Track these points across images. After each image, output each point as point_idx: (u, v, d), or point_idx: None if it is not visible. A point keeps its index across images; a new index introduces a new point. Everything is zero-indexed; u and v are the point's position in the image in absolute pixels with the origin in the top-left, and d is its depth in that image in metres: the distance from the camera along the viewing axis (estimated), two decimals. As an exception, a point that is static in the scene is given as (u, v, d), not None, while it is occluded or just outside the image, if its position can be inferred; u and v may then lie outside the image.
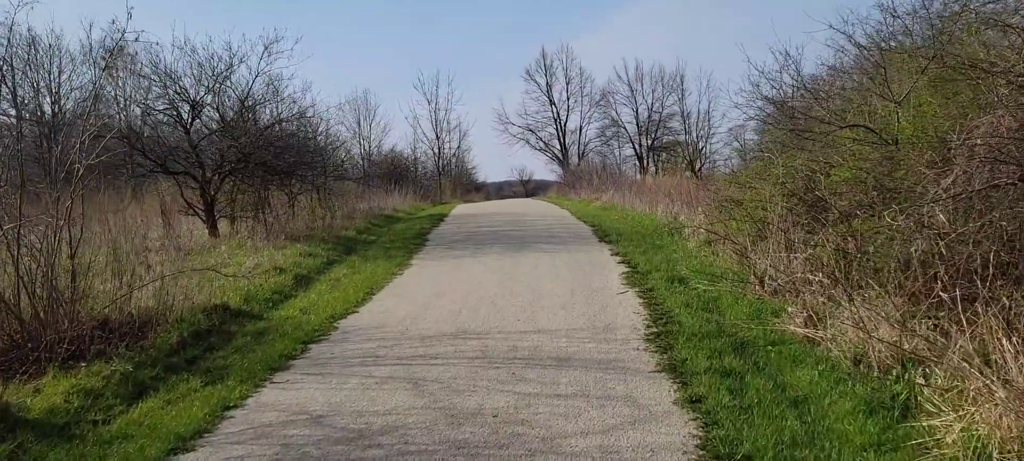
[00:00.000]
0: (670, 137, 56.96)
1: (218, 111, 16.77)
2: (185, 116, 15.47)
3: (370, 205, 24.05)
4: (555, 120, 57.90)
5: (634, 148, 56.40)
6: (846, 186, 8.94)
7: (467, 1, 77.31)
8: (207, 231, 15.82)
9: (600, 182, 30.20)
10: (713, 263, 10.64)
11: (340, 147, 23.05)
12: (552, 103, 57.64)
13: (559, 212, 24.77)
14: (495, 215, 24.35)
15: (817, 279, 7.86)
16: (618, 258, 11.88)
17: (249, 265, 11.85)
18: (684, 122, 55.44)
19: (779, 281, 8.41)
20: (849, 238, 8.39)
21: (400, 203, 28.21)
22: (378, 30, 78.89)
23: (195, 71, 15.33)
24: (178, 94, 15.50)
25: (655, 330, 6.89)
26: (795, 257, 8.71)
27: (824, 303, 7.24)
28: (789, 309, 7.12)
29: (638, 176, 49.14)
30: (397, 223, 21.17)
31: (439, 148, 54.79)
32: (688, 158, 55.35)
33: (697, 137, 55.87)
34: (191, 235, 13.94)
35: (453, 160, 56.62)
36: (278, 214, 18.96)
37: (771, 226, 9.18)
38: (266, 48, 16.71)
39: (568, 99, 57.61)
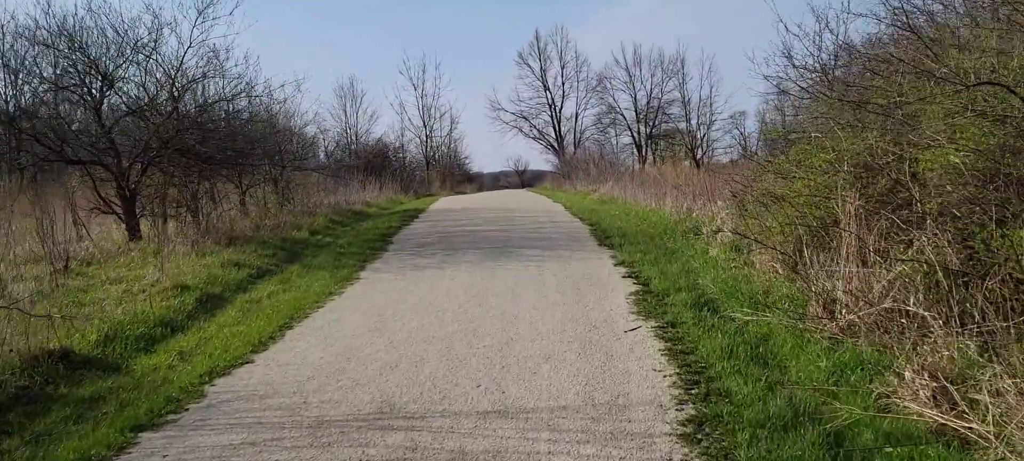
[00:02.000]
0: (670, 124, 54.44)
1: (144, 88, 14.02)
2: (95, 93, 12.73)
3: (338, 199, 21.35)
4: (550, 106, 55.26)
5: (632, 136, 53.83)
6: (942, 174, 6.36)
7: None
8: (127, 233, 13.14)
9: (598, 172, 27.54)
10: (749, 277, 8.04)
11: (299, 132, 20.20)
12: (546, 89, 54.99)
13: (552, 206, 22.12)
14: (479, 210, 21.65)
15: (921, 311, 5.32)
16: (623, 269, 9.25)
17: (149, 280, 9.19)
18: (685, 108, 52.87)
19: (860, 312, 5.81)
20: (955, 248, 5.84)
21: (375, 197, 25.50)
22: (366, 17, 76.06)
23: (107, 37, 12.58)
24: (88, 67, 12.75)
25: (693, 411, 4.26)
26: (873, 273, 6.16)
27: (953, 358, 4.64)
28: (905, 374, 4.48)
29: (636, 165, 46.59)
30: (364, 221, 18.47)
31: (427, 136, 52.06)
32: (689, 146, 52.85)
33: (698, 124, 53.37)
34: (79, 240, 11.24)
35: (443, 149, 53.92)
36: (224, 211, 16.32)
37: (843, 230, 6.56)
38: (199, 13, 13.95)
39: (563, 84, 54.95)
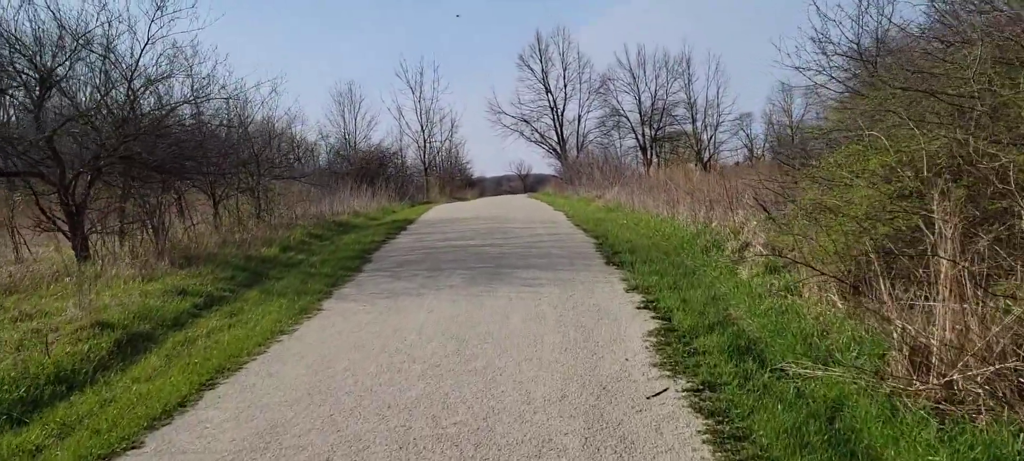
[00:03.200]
0: (675, 126, 53.02)
1: (98, 89, 12.49)
2: (34, 94, 11.20)
3: (323, 209, 19.80)
4: (551, 109, 53.84)
5: (636, 138, 52.38)
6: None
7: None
8: (74, 253, 11.60)
9: (603, 177, 25.93)
10: (797, 310, 6.48)
11: (278, 137, 18.58)
12: (548, 91, 53.58)
13: (553, 215, 20.56)
14: (473, 221, 20.06)
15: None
16: (636, 296, 7.68)
17: (68, 317, 7.63)
18: (690, 109, 51.36)
19: (969, 372, 4.25)
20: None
21: (365, 206, 23.93)
22: (363, 23, 74.81)
23: (43, 29, 11.07)
24: (26, 66, 11.23)
25: None
26: (975, 312, 4.63)
27: None
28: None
29: (641, 168, 44.99)
30: (347, 233, 16.89)
31: (425, 140, 50.54)
32: (695, 148, 51.28)
33: (705, 126, 51.89)
34: (18, 261, 9.70)
35: (443, 153, 52.43)
36: (191, 225, 14.80)
37: (937, 255, 4.98)
38: (158, 7, 12.46)
39: (565, 86, 53.54)
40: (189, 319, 8.03)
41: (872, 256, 5.93)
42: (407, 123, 52.75)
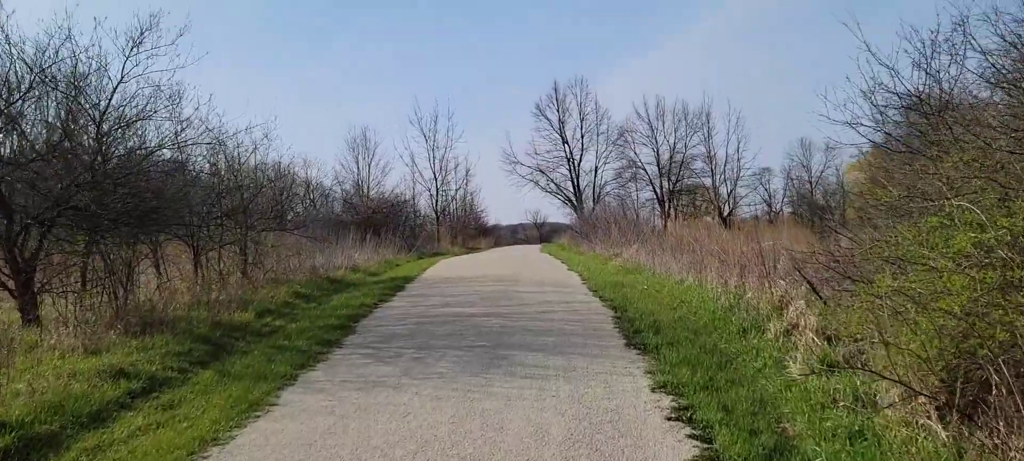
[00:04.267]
0: (694, 179, 51.76)
1: (63, 131, 11.30)
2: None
3: (320, 263, 18.42)
4: (568, 160, 52.76)
5: (654, 191, 51.08)
6: None
7: (481, 45, 73.24)
8: (21, 316, 10.25)
9: (620, 233, 24.45)
10: (874, 430, 4.96)
11: (271, 186, 17.25)
12: (565, 142, 52.61)
13: (566, 276, 19.05)
14: (478, 280, 18.54)
15: None
16: (665, 399, 6.15)
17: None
18: (710, 163, 50.08)
19: None
20: None
21: (367, 259, 22.52)
22: (386, 72, 74.86)
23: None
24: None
25: None
26: None
27: None
28: None
29: (659, 221, 43.55)
30: (340, 293, 15.42)
31: (437, 188, 49.41)
32: (715, 203, 49.82)
33: (724, 180, 50.54)
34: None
35: (456, 202, 51.24)
36: (168, 279, 13.48)
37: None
38: (135, 44, 11.30)
39: (582, 137, 52.61)
40: (115, 412, 6.56)
41: (991, 371, 4.41)
42: (420, 171, 51.57)
